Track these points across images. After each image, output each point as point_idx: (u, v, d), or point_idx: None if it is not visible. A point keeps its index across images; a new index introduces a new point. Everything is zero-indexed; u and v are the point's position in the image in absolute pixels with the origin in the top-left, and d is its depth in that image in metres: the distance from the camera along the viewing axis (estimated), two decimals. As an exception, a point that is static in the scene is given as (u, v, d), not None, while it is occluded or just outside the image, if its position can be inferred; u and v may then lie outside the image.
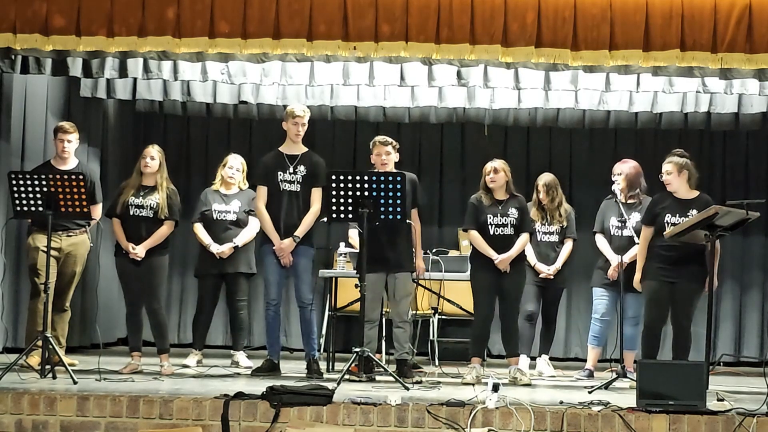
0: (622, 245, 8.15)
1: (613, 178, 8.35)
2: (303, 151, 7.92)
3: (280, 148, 7.95)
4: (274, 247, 7.73)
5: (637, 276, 7.71)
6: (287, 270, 7.82)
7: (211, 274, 8.57)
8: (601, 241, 8.45)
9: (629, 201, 8.26)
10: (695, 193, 7.73)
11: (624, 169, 8.34)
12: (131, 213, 7.87)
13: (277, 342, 8.00)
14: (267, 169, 7.86)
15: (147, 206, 7.88)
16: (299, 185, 7.80)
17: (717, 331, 10.57)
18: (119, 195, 7.97)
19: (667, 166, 7.71)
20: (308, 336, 7.88)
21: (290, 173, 7.81)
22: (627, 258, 7.93)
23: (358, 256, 7.81)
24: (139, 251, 7.80)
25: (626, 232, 8.18)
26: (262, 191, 7.85)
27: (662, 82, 8.95)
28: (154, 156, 7.95)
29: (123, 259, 7.90)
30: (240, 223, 8.62)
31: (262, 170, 7.90)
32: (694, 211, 7.52)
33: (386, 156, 7.83)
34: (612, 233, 8.38)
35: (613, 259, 8.22)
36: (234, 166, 8.69)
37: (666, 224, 7.57)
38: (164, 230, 7.92)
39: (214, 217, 8.54)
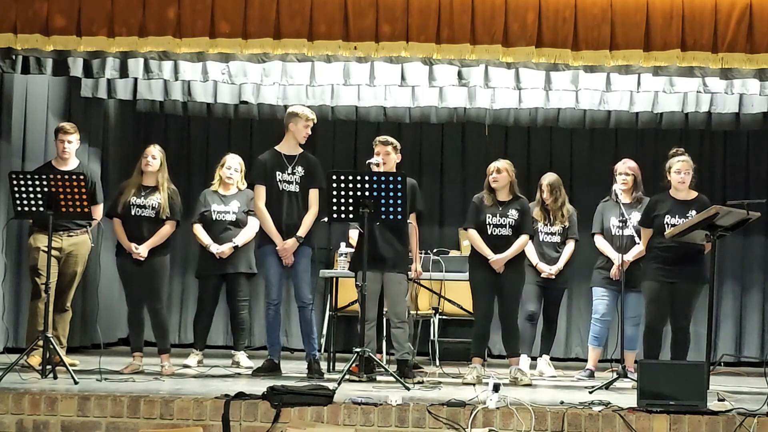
0: (623, 245, 8.17)
1: (617, 177, 8.35)
2: (300, 152, 7.91)
3: (277, 148, 7.92)
4: (276, 248, 7.74)
5: None
6: (287, 270, 7.82)
7: (212, 275, 8.56)
8: (600, 242, 8.46)
9: (626, 200, 8.29)
10: (694, 194, 7.76)
11: (633, 168, 8.35)
12: (133, 213, 7.86)
13: (278, 342, 8.00)
14: (266, 168, 7.85)
15: (149, 206, 7.87)
16: (298, 185, 7.80)
17: (718, 331, 10.58)
18: (120, 195, 7.96)
19: (684, 164, 7.68)
20: (308, 336, 7.87)
21: (289, 173, 7.80)
22: (630, 257, 7.95)
23: (355, 256, 7.82)
24: (141, 251, 7.79)
25: (627, 232, 8.19)
26: (261, 191, 7.83)
27: (663, 82, 8.96)
28: (155, 155, 7.94)
29: (124, 259, 7.90)
30: (239, 224, 8.61)
31: (261, 170, 7.88)
32: (693, 212, 7.56)
33: (386, 156, 7.83)
34: (613, 233, 8.39)
35: (616, 258, 8.23)
36: (232, 166, 8.68)
37: (666, 225, 7.58)
38: (166, 230, 7.92)
39: (214, 218, 8.53)
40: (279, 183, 7.79)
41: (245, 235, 8.60)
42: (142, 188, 7.92)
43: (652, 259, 7.61)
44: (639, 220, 7.94)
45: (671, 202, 7.71)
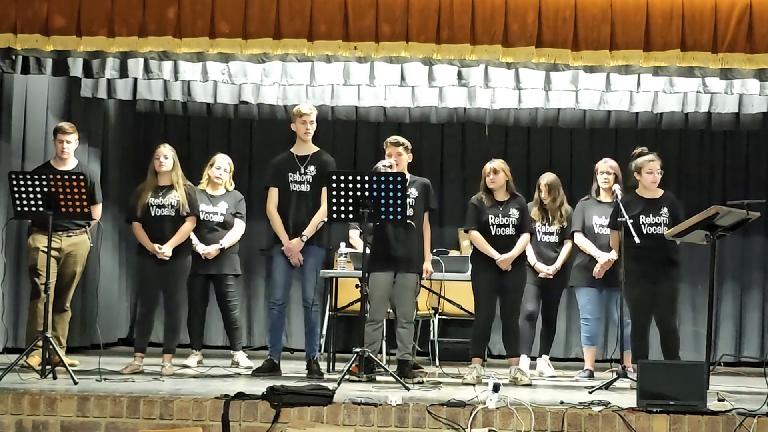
0: (608, 243, 8.17)
1: (598, 176, 8.40)
2: (313, 151, 7.92)
3: (291, 150, 7.96)
4: (282, 248, 7.74)
5: None
6: (295, 270, 7.82)
7: (198, 275, 8.51)
8: (582, 240, 8.45)
9: (608, 200, 8.32)
10: (660, 192, 7.81)
11: (614, 167, 8.39)
12: (153, 214, 7.84)
13: (279, 342, 8.00)
14: (277, 171, 7.88)
15: (168, 205, 7.86)
16: (309, 185, 7.80)
17: (717, 331, 10.59)
18: (137, 199, 7.93)
19: (655, 164, 7.74)
20: (311, 336, 7.88)
21: (300, 174, 7.82)
22: (615, 255, 7.96)
23: (370, 257, 7.81)
24: (166, 250, 7.77)
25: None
26: (273, 193, 7.86)
27: (663, 82, 8.95)
28: (167, 155, 7.93)
29: (146, 259, 7.87)
30: (226, 225, 8.59)
31: (273, 172, 7.91)
32: (666, 209, 7.66)
33: (398, 157, 7.84)
34: (596, 231, 8.41)
35: (602, 257, 8.24)
36: (221, 166, 8.66)
37: (642, 225, 7.60)
38: (188, 227, 7.92)
39: (202, 218, 8.46)
40: (290, 184, 7.81)
41: (231, 238, 8.59)
42: (158, 189, 7.91)
43: (631, 260, 7.57)
44: (609, 223, 7.97)
45: (642, 201, 7.74)
